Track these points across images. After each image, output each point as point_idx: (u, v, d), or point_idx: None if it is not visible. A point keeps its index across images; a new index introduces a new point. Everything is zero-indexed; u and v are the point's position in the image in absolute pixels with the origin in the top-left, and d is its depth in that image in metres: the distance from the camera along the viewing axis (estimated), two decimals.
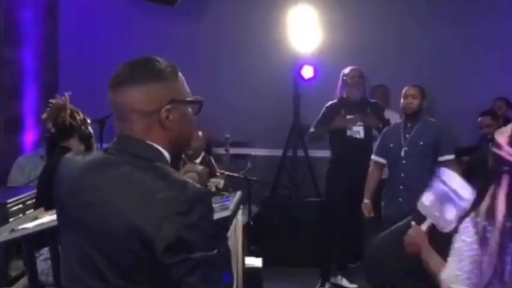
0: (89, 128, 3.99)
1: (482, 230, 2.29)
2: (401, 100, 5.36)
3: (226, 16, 7.45)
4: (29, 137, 6.51)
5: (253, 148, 7.36)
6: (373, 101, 6.28)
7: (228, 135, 6.81)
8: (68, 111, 3.82)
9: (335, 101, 6.09)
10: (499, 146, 2.29)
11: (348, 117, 5.91)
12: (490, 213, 2.29)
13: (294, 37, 6.93)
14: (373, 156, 5.53)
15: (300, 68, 6.85)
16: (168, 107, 1.82)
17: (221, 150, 6.86)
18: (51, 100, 3.89)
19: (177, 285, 1.68)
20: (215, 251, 1.70)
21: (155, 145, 1.83)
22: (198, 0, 7.47)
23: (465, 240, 2.34)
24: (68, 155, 2.00)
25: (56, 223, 2.58)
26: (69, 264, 1.89)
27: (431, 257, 2.65)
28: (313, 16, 6.90)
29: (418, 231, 2.78)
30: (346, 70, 6.05)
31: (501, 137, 2.30)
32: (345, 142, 5.94)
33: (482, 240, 2.28)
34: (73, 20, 7.43)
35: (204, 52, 7.42)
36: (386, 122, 5.92)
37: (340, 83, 6.06)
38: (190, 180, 1.77)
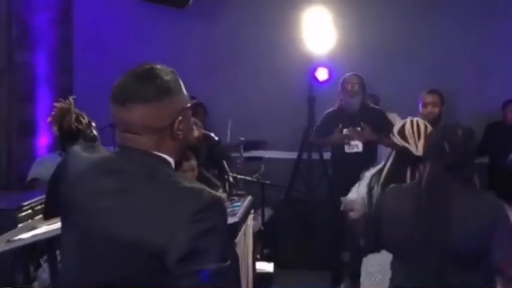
0: (94, 131, 3.95)
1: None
2: (420, 107, 5.27)
3: (240, 18, 7.41)
4: (43, 140, 6.51)
5: (268, 151, 7.31)
6: (376, 107, 6.10)
7: (242, 138, 6.75)
8: (74, 115, 3.79)
9: (334, 108, 5.99)
10: (393, 134, 3.37)
11: (344, 132, 5.81)
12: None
13: (308, 39, 6.87)
14: None
15: (315, 70, 6.79)
16: (180, 118, 1.81)
17: (235, 153, 6.81)
18: (55, 104, 3.85)
19: None
20: (228, 262, 1.67)
21: (162, 155, 1.80)
22: (212, 3, 7.44)
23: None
24: (76, 148, 1.94)
25: (53, 233, 2.55)
26: (66, 268, 1.84)
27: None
28: (327, 18, 6.83)
29: None
30: (345, 76, 5.92)
31: (395, 128, 3.40)
32: (344, 157, 5.83)
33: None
34: (88, 24, 7.44)
35: (217, 55, 7.40)
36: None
37: (340, 89, 5.94)
38: (205, 188, 1.73)
